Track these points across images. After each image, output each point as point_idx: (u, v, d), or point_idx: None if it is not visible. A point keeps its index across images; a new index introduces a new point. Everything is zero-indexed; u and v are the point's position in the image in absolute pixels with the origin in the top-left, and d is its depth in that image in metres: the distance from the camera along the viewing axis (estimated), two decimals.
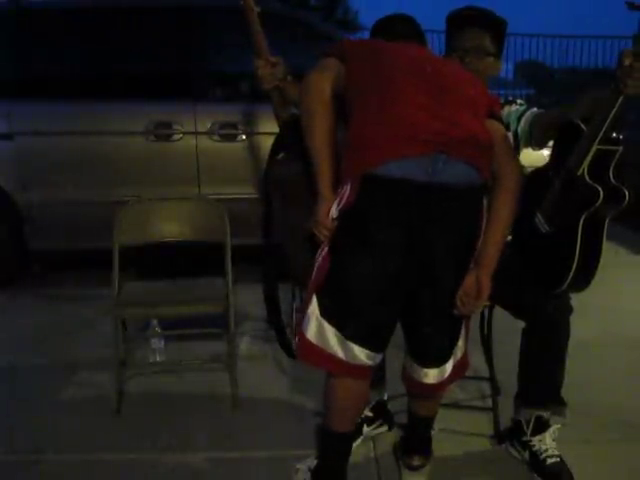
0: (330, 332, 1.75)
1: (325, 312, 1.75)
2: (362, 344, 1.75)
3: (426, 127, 1.66)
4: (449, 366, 1.84)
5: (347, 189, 1.70)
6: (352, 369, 1.79)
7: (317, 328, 1.76)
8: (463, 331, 1.85)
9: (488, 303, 2.24)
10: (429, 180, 1.63)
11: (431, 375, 1.84)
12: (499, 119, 1.86)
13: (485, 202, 1.76)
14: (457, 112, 1.72)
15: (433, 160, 1.63)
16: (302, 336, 1.79)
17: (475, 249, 1.75)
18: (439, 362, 1.83)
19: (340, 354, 1.76)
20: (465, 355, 1.90)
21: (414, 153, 1.64)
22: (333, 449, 1.98)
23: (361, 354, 1.76)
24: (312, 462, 2.04)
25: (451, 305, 1.76)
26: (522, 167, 1.88)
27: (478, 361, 2.45)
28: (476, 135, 1.71)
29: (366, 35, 2.37)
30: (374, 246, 1.67)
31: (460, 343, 1.86)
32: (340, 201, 1.72)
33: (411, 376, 1.91)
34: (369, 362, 1.79)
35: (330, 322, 1.75)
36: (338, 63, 1.78)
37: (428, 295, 1.75)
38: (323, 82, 1.73)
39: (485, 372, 2.38)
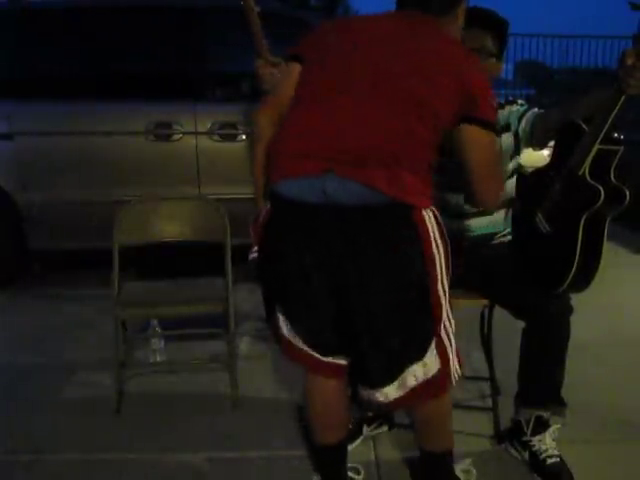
0: (287, 328, 1.76)
1: (279, 309, 1.77)
2: (307, 346, 1.74)
3: (314, 141, 1.54)
4: (393, 388, 1.68)
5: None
6: (322, 365, 1.75)
7: (284, 323, 1.77)
8: (432, 350, 1.66)
9: (487, 303, 2.24)
10: (324, 201, 1.51)
11: (382, 394, 1.70)
12: (486, 125, 1.60)
13: (429, 221, 1.56)
14: (375, 117, 1.54)
15: (323, 180, 1.50)
16: (279, 330, 1.78)
17: (423, 271, 1.57)
18: (376, 384, 1.69)
19: (306, 349, 1.74)
20: (439, 374, 1.69)
21: (299, 172, 1.54)
22: (325, 463, 1.98)
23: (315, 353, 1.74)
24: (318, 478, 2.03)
25: (388, 329, 1.60)
26: (501, 186, 1.76)
27: (478, 361, 2.45)
28: (373, 149, 1.51)
29: None
30: (281, 263, 1.64)
31: (424, 362, 1.66)
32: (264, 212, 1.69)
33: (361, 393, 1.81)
34: (337, 360, 1.75)
35: (288, 322, 1.75)
36: (293, 70, 1.72)
37: (356, 317, 1.61)
38: (259, 117, 1.77)
39: (485, 372, 2.38)
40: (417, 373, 1.67)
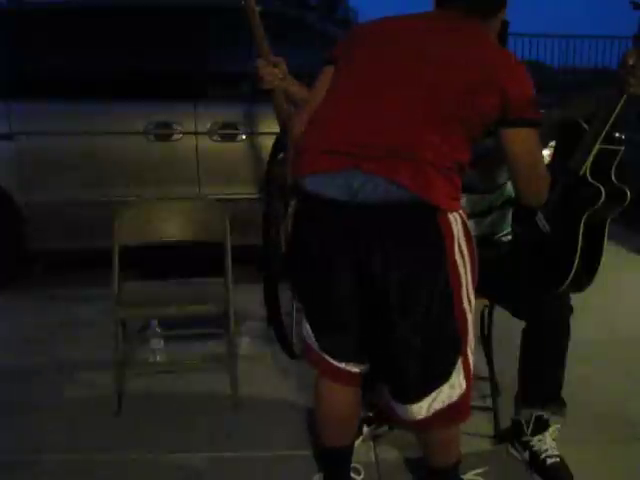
0: (310, 334, 1.75)
1: (304, 313, 1.76)
2: (323, 351, 1.73)
3: (340, 138, 1.53)
4: (426, 404, 1.63)
5: None
6: (337, 372, 1.74)
7: (304, 328, 1.77)
8: (458, 369, 1.62)
9: (487, 303, 2.24)
10: (349, 198, 1.49)
11: (407, 410, 1.66)
12: (522, 123, 1.56)
13: (455, 225, 1.52)
14: (393, 116, 1.52)
15: (348, 177, 1.49)
16: (303, 331, 1.79)
17: (450, 278, 1.53)
18: (409, 399, 1.65)
19: (322, 354, 1.74)
20: (461, 398, 1.65)
21: (326, 168, 1.52)
22: (329, 464, 1.97)
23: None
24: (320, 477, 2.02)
25: (422, 339, 1.56)
26: (546, 183, 1.69)
27: (478, 361, 2.45)
28: (401, 146, 1.49)
29: None
30: (306, 258, 1.63)
31: (450, 383, 1.62)
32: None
33: (387, 405, 1.78)
34: (354, 369, 1.74)
35: (308, 324, 1.75)
36: (327, 73, 1.71)
37: (389, 325, 1.56)
38: (294, 123, 1.75)
39: (485, 372, 2.38)
40: (443, 395, 1.62)
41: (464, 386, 1.64)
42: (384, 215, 1.48)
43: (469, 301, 1.58)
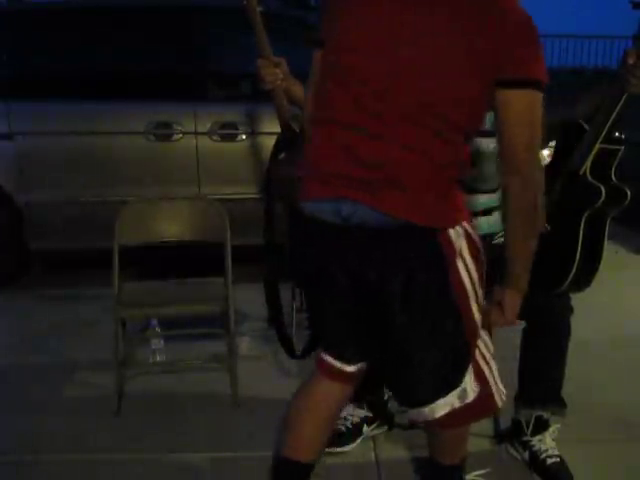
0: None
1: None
2: (326, 351, 1.72)
3: (327, 167, 1.48)
4: (431, 408, 1.62)
5: None
6: (327, 366, 1.72)
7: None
8: (469, 373, 1.62)
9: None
10: (342, 223, 1.45)
11: (412, 412, 1.68)
12: (523, 84, 1.39)
13: (457, 240, 1.46)
14: (388, 138, 1.41)
15: (338, 204, 1.44)
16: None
17: (452, 297, 1.49)
18: (412, 403, 1.66)
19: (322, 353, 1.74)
20: (480, 397, 1.65)
21: (317, 195, 1.49)
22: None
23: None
24: None
25: (428, 355, 1.54)
26: (541, 173, 1.54)
27: None
28: (396, 168, 1.41)
29: None
30: (303, 273, 1.64)
31: (460, 389, 1.62)
32: None
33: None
34: (348, 368, 1.71)
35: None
36: (316, 59, 1.60)
37: (387, 336, 1.55)
38: (304, 115, 1.70)
39: None
40: (451, 401, 1.61)
41: (478, 389, 1.64)
42: (380, 239, 1.44)
43: (479, 312, 1.55)
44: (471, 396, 1.63)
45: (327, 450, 2.21)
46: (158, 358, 2.88)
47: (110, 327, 2.60)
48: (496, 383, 1.68)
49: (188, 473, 2.16)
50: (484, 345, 1.65)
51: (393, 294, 1.46)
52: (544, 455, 2.11)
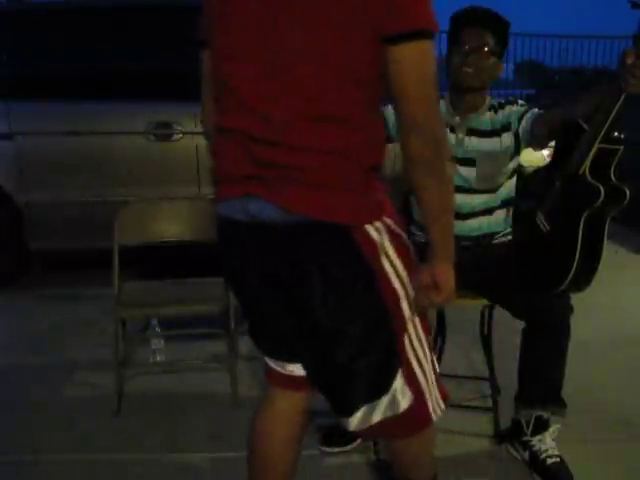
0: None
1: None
2: (264, 355, 1.70)
3: (233, 169, 1.45)
4: (361, 416, 1.49)
5: None
6: (275, 373, 1.67)
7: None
8: (398, 382, 1.46)
9: (487, 303, 2.24)
10: (251, 220, 1.39)
11: (343, 420, 1.53)
12: (411, 36, 1.24)
13: (378, 236, 1.36)
14: (278, 135, 1.33)
15: (245, 202, 1.39)
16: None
17: (381, 293, 1.39)
18: (340, 408, 1.53)
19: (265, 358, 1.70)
20: (413, 410, 1.49)
21: (227, 195, 1.47)
22: None
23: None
24: None
25: (351, 357, 1.43)
26: (440, 126, 1.34)
27: (478, 361, 2.45)
28: (298, 164, 1.32)
29: None
30: (228, 274, 1.63)
31: (390, 395, 1.47)
32: None
33: None
34: (297, 371, 1.61)
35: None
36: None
37: (309, 341, 1.48)
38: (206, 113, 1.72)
39: (485, 372, 2.38)
40: (382, 408, 1.48)
41: (410, 396, 1.48)
42: (290, 235, 1.35)
43: (409, 309, 1.44)
44: (403, 404, 1.48)
45: (327, 450, 2.22)
46: (158, 358, 2.88)
47: (110, 327, 2.60)
48: (431, 391, 1.51)
49: (188, 473, 2.16)
50: (419, 346, 1.48)
51: (306, 292, 1.38)
52: (544, 455, 2.11)
